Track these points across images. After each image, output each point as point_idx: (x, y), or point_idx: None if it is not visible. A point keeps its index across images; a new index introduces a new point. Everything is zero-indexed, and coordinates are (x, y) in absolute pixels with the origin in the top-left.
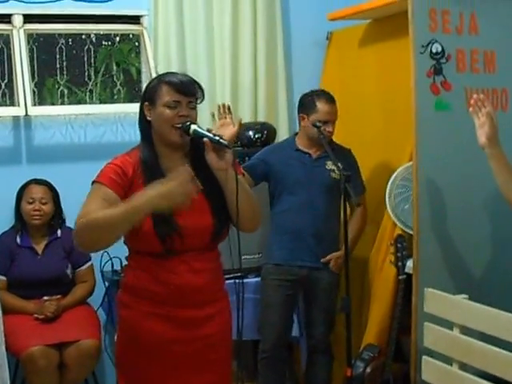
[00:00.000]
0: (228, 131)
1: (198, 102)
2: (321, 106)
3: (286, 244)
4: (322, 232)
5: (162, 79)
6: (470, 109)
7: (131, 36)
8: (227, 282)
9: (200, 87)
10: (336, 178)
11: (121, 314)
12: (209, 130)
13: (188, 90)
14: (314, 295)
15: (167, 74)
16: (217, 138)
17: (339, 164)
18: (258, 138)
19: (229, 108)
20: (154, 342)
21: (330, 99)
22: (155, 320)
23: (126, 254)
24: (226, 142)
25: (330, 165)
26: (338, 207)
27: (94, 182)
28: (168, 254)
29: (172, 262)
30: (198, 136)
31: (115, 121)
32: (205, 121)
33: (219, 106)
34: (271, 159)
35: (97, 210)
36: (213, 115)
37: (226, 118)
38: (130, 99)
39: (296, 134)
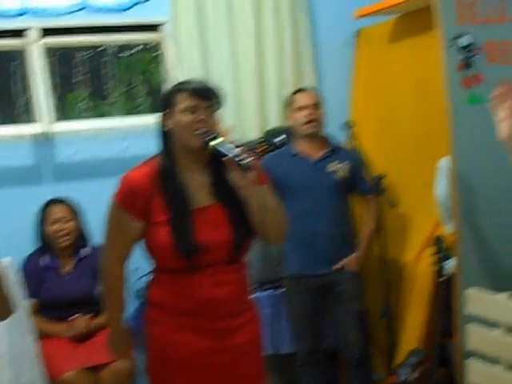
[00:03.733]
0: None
1: (218, 107)
2: (295, 96)
3: (299, 254)
4: (334, 236)
5: (177, 87)
6: (491, 103)
7: (152, 45)
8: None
9: (218, 92)
10: (341, 176)
11: (150, 331)
12: (236, 145)
13: (204, 93)
14: (339, 301)
15: (182, 82)
16: (237, 159)
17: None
18: (285, 143)
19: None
20: (185, 355)
21: (302, 89)
22: (184, 332)
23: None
24: (246, 163)
25: (332, 166)
26: (348, 206)
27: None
28: (191, 270)
29: (195, 276)
30: (218, 153)
31: (140, 133)
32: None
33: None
34: (270, 167)
35: (114, 261)
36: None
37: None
38: (154, 110)
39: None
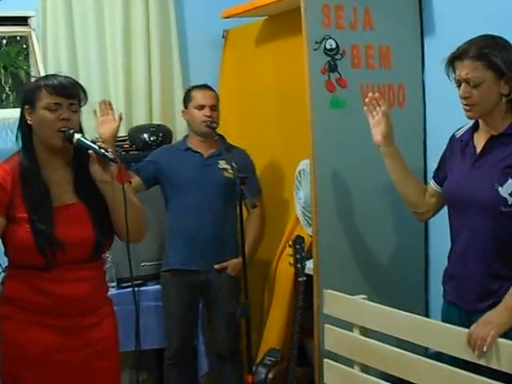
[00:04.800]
0: (108, 127)
1: (82, 104)
2: (195, 93)
3: (181, 248)
4: (217, 234)
5: (41, 81)
6: (365, 107)
7: (19, 38)
8: (125, 290)
9: (82, 89)
10: (229, 177)
11: (2, 328)
12: (94, 142)
13: (68, 91)
14: (214, 300)
15: (47, 76)
16: (102, 150)
17: (233, 164)
18: (153, 140)
19: (110, 104)
20: (38, 353)
21: (204, 86)
22: (38, 329)
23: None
24: (112, 156)
25: (222, 164)
26: (234, 207)
27: None
28: (50, 266)
29: (53, 272)
30: (82, 147)
31: (4, 127)
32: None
33: (100, 103)
34: (161, 160)
35: None
36: (94, 112)
37: (108, 114)
38: (19, 104)
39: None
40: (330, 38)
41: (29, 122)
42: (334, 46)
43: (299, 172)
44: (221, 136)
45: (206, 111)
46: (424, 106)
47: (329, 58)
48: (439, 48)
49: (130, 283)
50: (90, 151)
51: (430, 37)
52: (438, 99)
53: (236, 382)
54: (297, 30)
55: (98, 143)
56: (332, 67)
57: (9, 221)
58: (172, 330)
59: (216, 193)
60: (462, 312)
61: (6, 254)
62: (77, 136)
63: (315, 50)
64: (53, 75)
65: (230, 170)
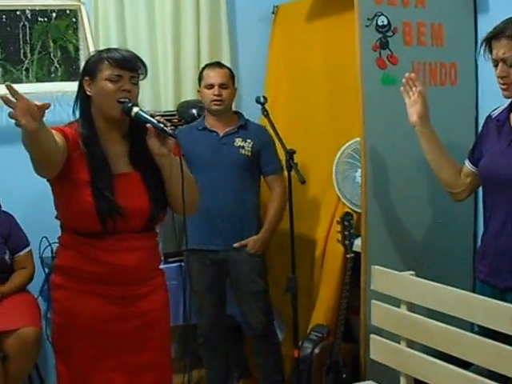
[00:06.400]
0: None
1: (141, 78)
2: (206, 72)
3: (200, 228)
4: (237, 212)
5: (103, 54)
6: (401, 88)
7: (68, 12)
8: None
9: (143, 63)
10: (246, 154)
11: (54, 296)
12: (152, 115)
13: (130, 64)
14: (237, 280)
15: (109, 49)
16: (161, 125)
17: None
18: (201, 115)
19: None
20: (89, 321)
21: (215, 64)
22: (90, 298)
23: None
24: (170, 131)
25: (238, 142)
26: (255, 185)
27: None
28: (105, 234)
29: (107, 241)
30: (140, 120)
31: (53, 100)
32: (146, 99)
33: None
34: (181, 140)
35: None
36: None
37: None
38: (67, 77)
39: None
40: (382, 14)
41: (88, 93)
42: (385, 22)
43: (354, 150)
44: (237, 113)
45: (215, 90)
46: (476, 85)
47: (380, 35)
48: (492, 26)
49: (176, 258)
50: (148, 125)
51: (483, 14)
52: (491, 77)
53: (272, 364)
54: (348, 7)
55: (157, 117)
56: (383, 44)
57: (67, 180)
58: (199, 308)
59: (234, 171)
60: (495, 290)
61: (59, 217)
62: (135, 109)
63: (367, 26)
64: (115, 49)
65: (246, 148)
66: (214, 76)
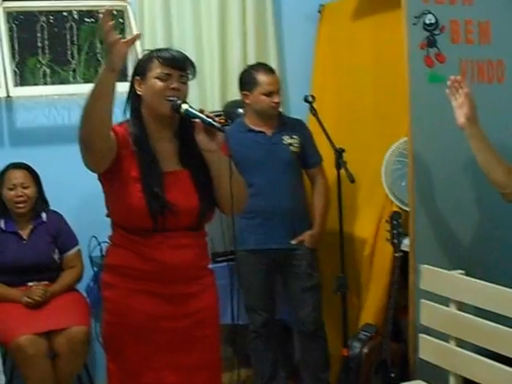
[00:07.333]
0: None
1: (190, 78)
2: (261, 78)
3: (257, 228)
4: (291, 210)
5: (153, 53)
6: (447, 90)
7: (115, 12)
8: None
9: (192, 63)
10: (296, 151)
11: (105, 295)
12: (201, 111)
13: (179, 63)
14: (295, 277)
15: (160, 49)
16: (209, 119)
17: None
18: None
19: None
20: (141, 320)
21: (268, 70)
22: (141, 297)
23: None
24: (219, 125)
25: (286, 139)
26: (302, 180)
27: None
28: (154, 231)
29: (157, 239)
30: (189, 116)
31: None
32: (193, 99)
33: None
34: (231, 142)
35: None
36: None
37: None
38: None
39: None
40: (430, 12)
41: (138, 92)
42: (433, 20)
43: (405, 149)
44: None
45: (275, 98)
46: None
47: (428, 33)
48: None
49: (224, 258)
50: (197, 120)
51: None
52: None
53: (321, 359)
54: (395, 5)
55: (205, 113)
56: (431, 42)
57: (116, 181)
58: (253, 307)
59: (286, 169)
60: None
61: (110, 215)
62: (185, 106)
63: (414, 24)
64: (165, 48)
65: (295, 144)
66: (271, 83)
